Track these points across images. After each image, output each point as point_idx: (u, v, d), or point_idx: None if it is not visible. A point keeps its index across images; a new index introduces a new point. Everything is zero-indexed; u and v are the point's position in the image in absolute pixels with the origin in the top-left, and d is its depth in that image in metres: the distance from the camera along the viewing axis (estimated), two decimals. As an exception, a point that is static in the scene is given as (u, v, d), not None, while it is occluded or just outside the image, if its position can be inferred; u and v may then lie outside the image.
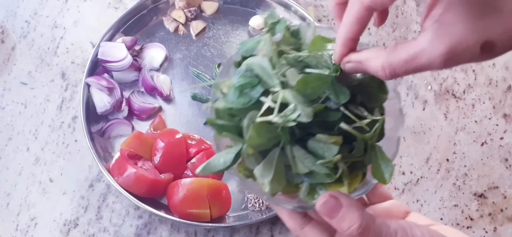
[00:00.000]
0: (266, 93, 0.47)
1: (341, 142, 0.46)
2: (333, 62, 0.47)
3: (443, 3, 0.40)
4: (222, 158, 0.48)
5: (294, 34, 0.53)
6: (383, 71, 0.43)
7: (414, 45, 0.42)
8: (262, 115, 0.45)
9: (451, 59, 0.40)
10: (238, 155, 0.47)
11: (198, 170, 0.48)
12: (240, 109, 0.48)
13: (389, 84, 0.51)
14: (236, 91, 0.48)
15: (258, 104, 0.47)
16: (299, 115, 0.44)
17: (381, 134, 0.50)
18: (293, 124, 0.44)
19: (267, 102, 0.46)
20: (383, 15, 0.49)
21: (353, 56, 0.46)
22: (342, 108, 0.47)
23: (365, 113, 0.48)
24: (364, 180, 0.50)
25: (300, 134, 0.47)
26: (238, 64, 0.53)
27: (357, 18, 0.43)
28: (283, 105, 0.45)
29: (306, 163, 0.46)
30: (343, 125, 0.46)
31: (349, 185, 0.48)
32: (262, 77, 0.47)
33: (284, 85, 0.47)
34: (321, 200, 0.45)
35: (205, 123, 0.52)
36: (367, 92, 0.49)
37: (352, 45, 0.46)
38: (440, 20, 0.40)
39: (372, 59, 0.45)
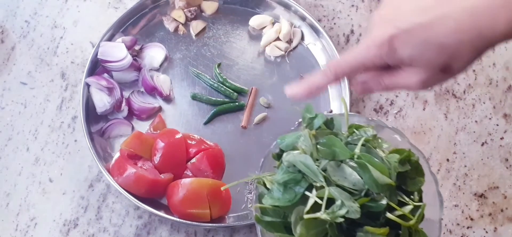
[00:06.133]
0: (309, 187, 0.50)
1: (387, 232, 0.48)
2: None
3: None
4: None
5: (328, 124, 0.57)
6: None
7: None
8: (309, 211, 0.48)
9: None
10: None
11: None
12: (286, 205, 0.50)
13: (425, 167, 0.55)
14: (280, 186, 0.51)
15: (302, 199, 0.50)
16: (347, 212, 0.47)
17: (422, 218, 0.53)
18: (341, 220, 0.47)
19: (313, 197, 0.49)
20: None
21: (360, 77, 0.55)
22: (385, 199, 0.50)
23: (406, 199, 0.51)
24: None
25: (347, 226, 0.49)
26: (277, 156, 0.57)
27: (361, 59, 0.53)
28: (329, 200, 0.48)
29: None
30: (389, 215, 0.49)
31: None
32: (306, 173, 0.50)
33: (327, 180, 0.49)
34: None
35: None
36: (405, 177, 0.52)
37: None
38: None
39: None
